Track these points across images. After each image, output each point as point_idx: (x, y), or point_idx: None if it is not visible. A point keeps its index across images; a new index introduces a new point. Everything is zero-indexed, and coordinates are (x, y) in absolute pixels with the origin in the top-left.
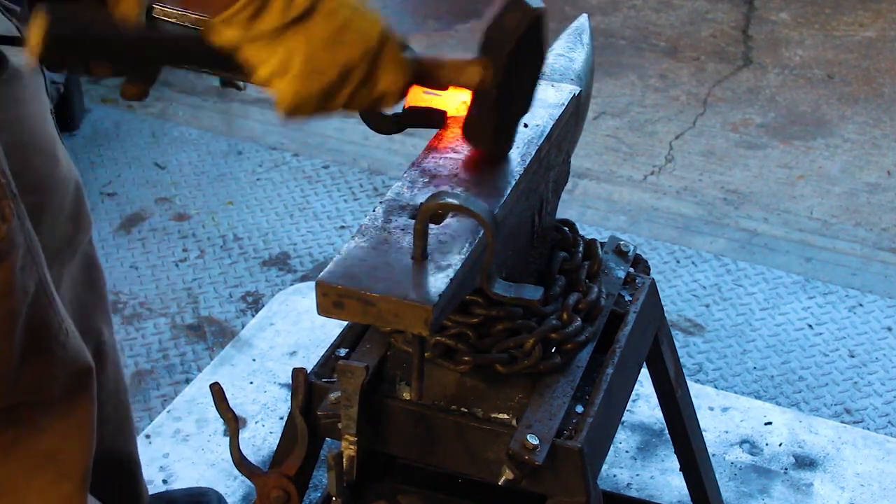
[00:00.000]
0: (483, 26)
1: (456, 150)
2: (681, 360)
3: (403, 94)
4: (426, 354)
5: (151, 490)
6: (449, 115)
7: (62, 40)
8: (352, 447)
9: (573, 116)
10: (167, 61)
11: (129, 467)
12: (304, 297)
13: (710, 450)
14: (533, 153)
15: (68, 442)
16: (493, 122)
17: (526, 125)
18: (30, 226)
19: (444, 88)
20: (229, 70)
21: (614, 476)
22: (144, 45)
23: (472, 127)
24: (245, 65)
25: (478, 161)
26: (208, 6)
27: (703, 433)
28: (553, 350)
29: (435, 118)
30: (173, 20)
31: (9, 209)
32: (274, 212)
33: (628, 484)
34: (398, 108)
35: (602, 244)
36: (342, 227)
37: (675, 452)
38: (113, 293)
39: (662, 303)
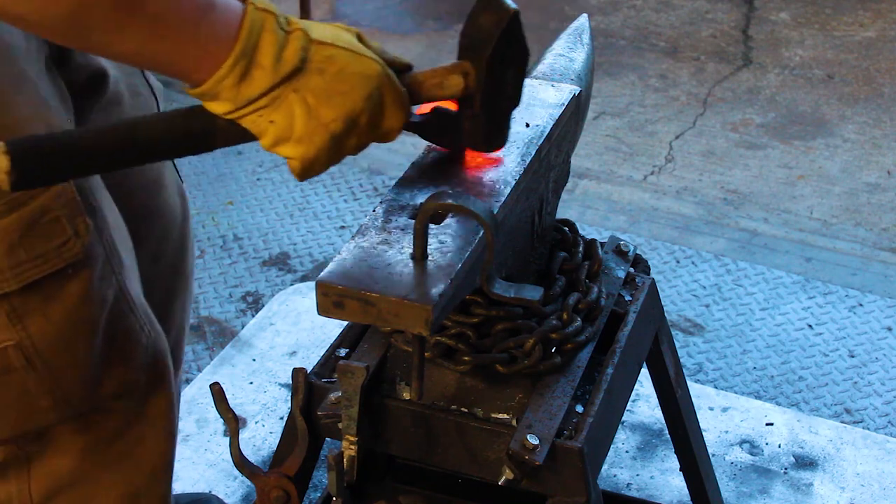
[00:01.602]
0: (461, 29)
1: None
2: (681, 360)
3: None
4: (426, 354)
5: None
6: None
7: (29, 164)
8: (352, 447)
9: (573, 116)
10: (160, 152)
11: None
12: (304, 297)
13: (710, 450)
14: (533, 153)
15: (144, 442)
16: (482, 125)
17: (528, 125)
18: (110, 236)
19: (432, 102)
20: (235, 141)
21: (614, 476)
22: (123, 147)
23: (465, 133)
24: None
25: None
26: (191, 76)
27: (703, 433)
28: (553, 350)
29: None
30: None
31: (83, 226)
32: (274, 212)
33: (628, 484)
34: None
35: (602, 244)
36: (342, 227)
37: (675, 452)
38: None
39: (662, 303)
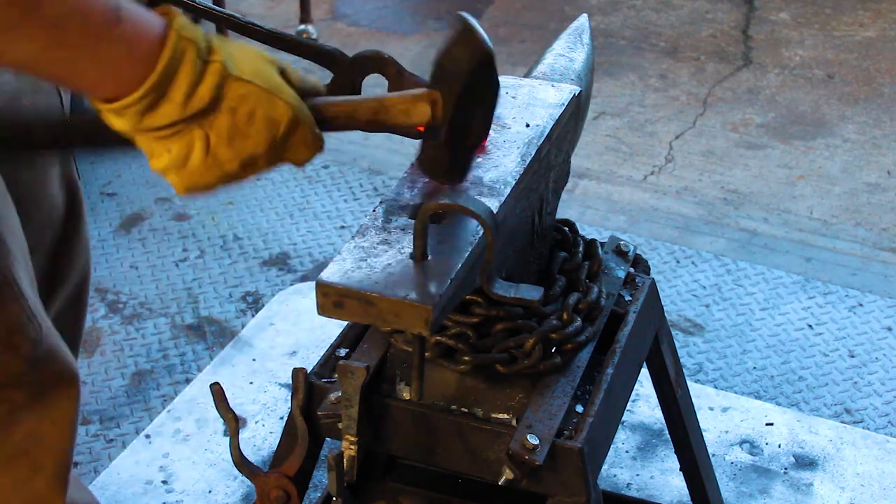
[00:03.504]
0: (434, 57)
1: None
2: (681, 360)
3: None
4: (426, 354)
5: (151, 490)
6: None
7: None
8: (352, 447)
9: (573, 116)
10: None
11: None
12: (304, 297)
13: (710, 450)
14: (533, 153)
15: (43, 440)
16: (446, 157)
17: (528, 125)
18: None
19: (395, 131)
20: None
21: (614, 476)
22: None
23: (425, 160)
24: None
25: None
26: (94, 90)
27: (703, 433)
28: (553, 350)
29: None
30: None
31: None
32: (274, 212)
33: (628, 484)
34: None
35: (602, 244)
36: (342, 227)
37: (675, 452)
38: (113, 293)
39: (662, 303)
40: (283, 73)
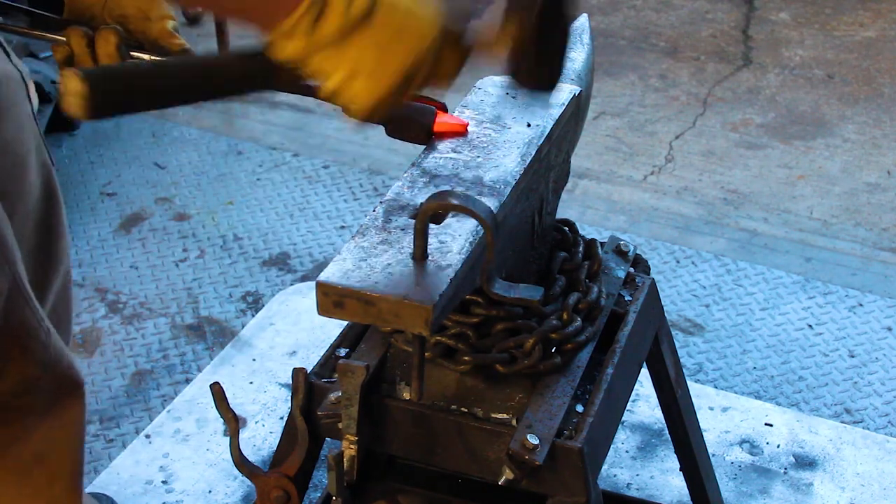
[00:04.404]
0: None
1: (456, 150)
2: (681, 360)
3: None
4: (426, 354)
5: (151, 490)
6: (434, 132)
7: (105, 90)
8: (352, 447)
9: (573, 116)
10: (224, 93)
11: None
12: (304, 297)
13: (710, 450)
14: (533, 153)
15: (57, 445)
16: (534, 59)
17: (528, 125)
18: (3, 227)
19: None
20: (290, 87)
21: (614, 476)
22: (194, 77)
23: (521, 74)
24: (312, 77)
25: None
26: (268, 18)
27: (703, 433)
28: (553, 350)
29: (418, 133)
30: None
31: None
32: (274, 212)
33: (628, 484)
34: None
35: (602, 244)
36: (342, 227)
37: (675, 452)
38: (113, 293)
39: (662, 303)
40: None
